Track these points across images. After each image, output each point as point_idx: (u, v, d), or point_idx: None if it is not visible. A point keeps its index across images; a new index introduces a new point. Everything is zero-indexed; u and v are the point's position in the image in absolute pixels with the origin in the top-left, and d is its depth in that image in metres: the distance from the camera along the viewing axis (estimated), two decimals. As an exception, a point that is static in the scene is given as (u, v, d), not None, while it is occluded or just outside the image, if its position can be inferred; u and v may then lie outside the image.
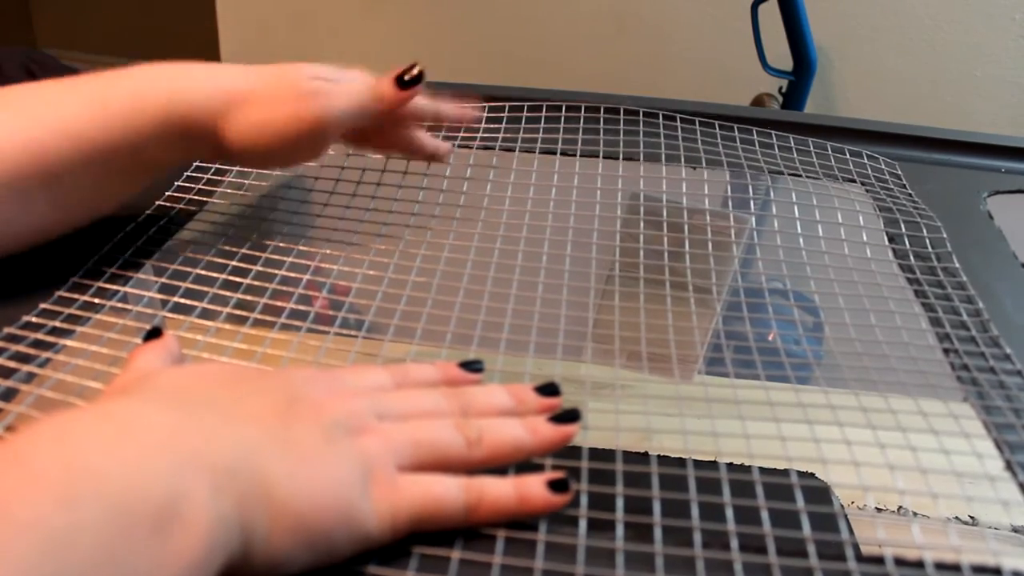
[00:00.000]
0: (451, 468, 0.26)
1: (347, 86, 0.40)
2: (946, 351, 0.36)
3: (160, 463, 0.21)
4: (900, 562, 0.25)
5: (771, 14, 1.44)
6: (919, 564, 0.25)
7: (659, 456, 0.28)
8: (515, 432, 0.27)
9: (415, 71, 0.42)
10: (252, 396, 0.25)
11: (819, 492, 0.27)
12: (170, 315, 0.36)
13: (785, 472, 0.27)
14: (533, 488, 0.25)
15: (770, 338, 0.37)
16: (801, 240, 0.43)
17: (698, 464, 0.27)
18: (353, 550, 0.24)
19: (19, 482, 0.19)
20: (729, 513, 0.26)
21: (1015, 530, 0.38)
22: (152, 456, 0.21)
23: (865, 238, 0.43)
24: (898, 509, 0.27)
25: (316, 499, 0.23)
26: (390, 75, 0.41)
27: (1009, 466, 0.29)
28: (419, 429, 0.26)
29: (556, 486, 0.26)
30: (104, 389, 0.29)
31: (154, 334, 0.30)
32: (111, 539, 0.19)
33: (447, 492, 0.25)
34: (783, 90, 1.53)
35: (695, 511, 0.26)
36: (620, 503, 0.26)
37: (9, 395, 0.30)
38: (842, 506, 0.27)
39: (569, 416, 0.27)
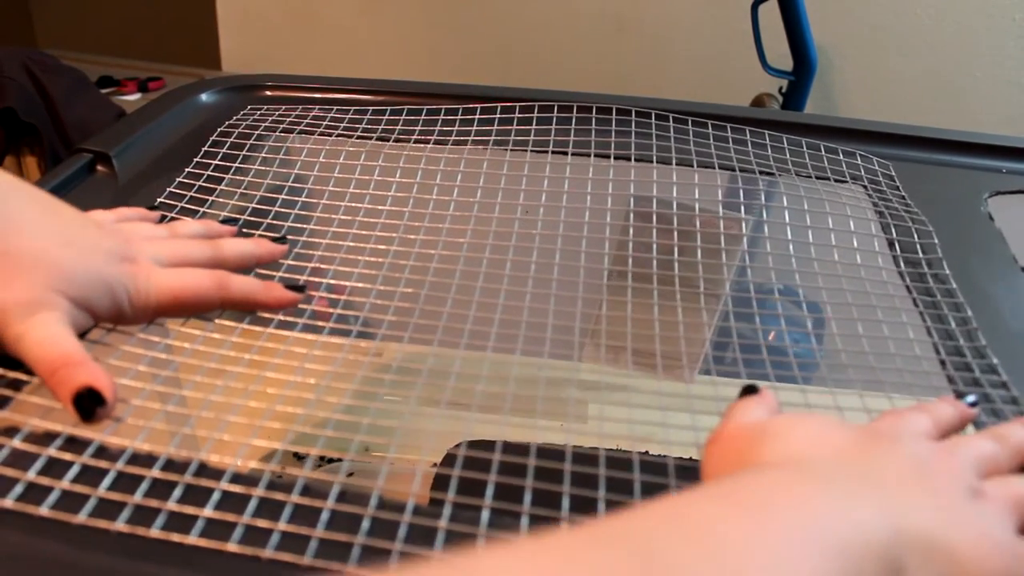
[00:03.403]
0: None
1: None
2: (939, 362, 0.36)
3: (888, 523, 0.22)
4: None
5: (771, 14, 1.44)
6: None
7: (640, 453, 0.28)
8: None
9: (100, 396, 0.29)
10: (893, 461, 0.26)
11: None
12: None
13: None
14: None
15: (769, 338, 0.37)
16: (791, 247, 0.43)
17: (680, 461, 0.28)
18: None
19: (765, 527, 0.21)
20: None
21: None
22: (878, 516, 0.22)
23: (855, 242, 0.43)
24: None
25: (991, 555, 0.24)
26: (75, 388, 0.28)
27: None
28: (1015, 485, 0.27)
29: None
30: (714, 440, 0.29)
31: (751, 390, 0.30)
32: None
33: None
34: (783, 90, 1.52)
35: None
36: (601, 507, 0.26)
37: (4, 403, 0.30)
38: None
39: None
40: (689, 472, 0.28)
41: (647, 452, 0.29)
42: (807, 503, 0.22)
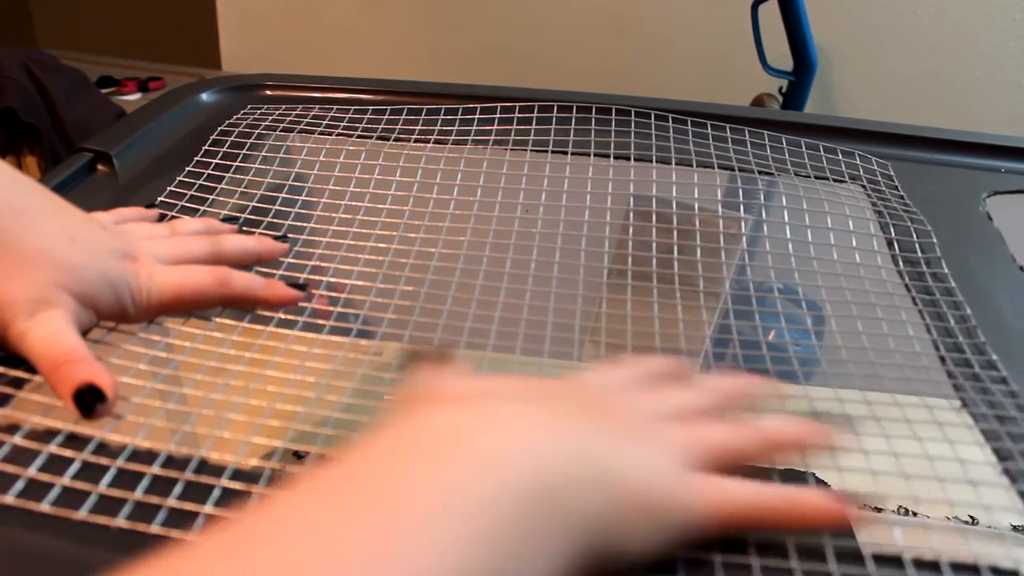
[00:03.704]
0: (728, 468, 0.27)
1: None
2: (938, 358, 0.36)
3: (532, 452, 0.22)
4: (879, 559, 0.25)
5: (771, 14, 1.44)
6: (899, 562, 0.25)
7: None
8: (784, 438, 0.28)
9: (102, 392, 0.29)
10: (557, 398, 0.27)
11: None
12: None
13: (768, 471, 0.27)
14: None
15: (769, 338, 0.37)
16: (791, 246, 0.43)
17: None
18: (686, 534, 0.25)
19: (412, 470, 0.20)
20: None
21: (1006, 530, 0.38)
22: (524, 444, 0.22)
23: (854, 241, 0.43)
24: (898, 508, 0.27)
25: (654, 480, 0.24)
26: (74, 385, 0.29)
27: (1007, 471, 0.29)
28: (708, 431, 0.27)
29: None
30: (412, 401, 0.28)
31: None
32: (498, 520, 0.20)
33: (746, 493, 0.26)
34: (783, 90, 1.53)
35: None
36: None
37: (5, 401, 0.30)
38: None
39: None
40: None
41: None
42: (444, 459, 0.21)
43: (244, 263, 0.38)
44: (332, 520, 0.19)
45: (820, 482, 0.28)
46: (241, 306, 0.36)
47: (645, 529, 0.24)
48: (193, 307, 0.35)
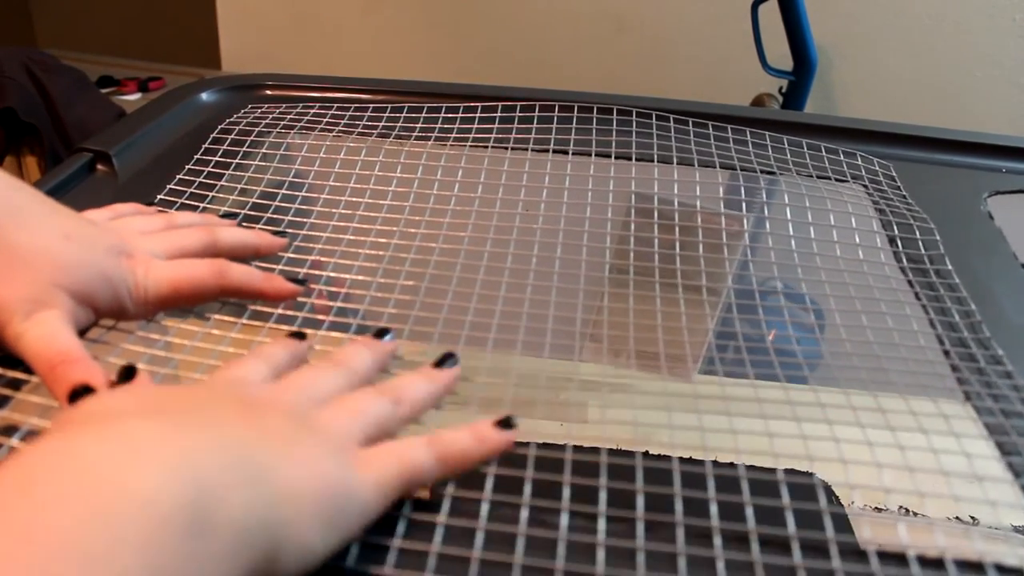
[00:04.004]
0: (389, 433, 0.28)
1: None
2: (942, 352, 0.36)
3: (180, 471, 0.21)
4: (884, 557, 0.25)
5: (771, 14, 1.44)
6: (904, 560, 0.25)
7: (643, 453, 0.28)
8: (423, 386, 0.30)
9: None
10: (210, 405, 0.25)
11: (808, 489, 0.27)
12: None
13: (773, 470, 0.27)
14: (486, 430, 0.28)
15: (770, 338, 0.37)
16: (793, 243, 0.43)
17: (684, 461, 0.27)
18: (361, 522, 0.25)
19: (43, 504, 0.18)
20: (713, 509, 0.26)
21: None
22: (170, 465, 0.21)
23: (858, 240, 0.43)
24: (899, 508, 0.27)
25: (318, 478, 0.24)
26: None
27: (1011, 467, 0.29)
28: (359, 405, 0.28)
29: (504, 424, 0.28)
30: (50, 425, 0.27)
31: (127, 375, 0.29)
32: (152, 549, 0.19)
33: (416, 453, 0.27)
34: (783, 90, 1.52)
35: (679, 506, 0.26)
36: (603, 495, 0.26)
37: (3, 402, 0.30)
38: (830, 503, 0.27)
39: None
40: (693, 472, 0.27)
41: (647, 452, 0.29)
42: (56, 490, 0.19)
43: (241, 256, 0.38)
44: None
45: (794, 473, 0.27)
46: (239, 297, 0.36)
47: (320, 527, 0.23)
48: (191, 300, 0.35)
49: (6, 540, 0.17)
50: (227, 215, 0.43)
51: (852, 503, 0.28)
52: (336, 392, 0.29)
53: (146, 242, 0.35)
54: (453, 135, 0.53)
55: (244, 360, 0.29)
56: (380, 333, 0.33)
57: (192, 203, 0.45)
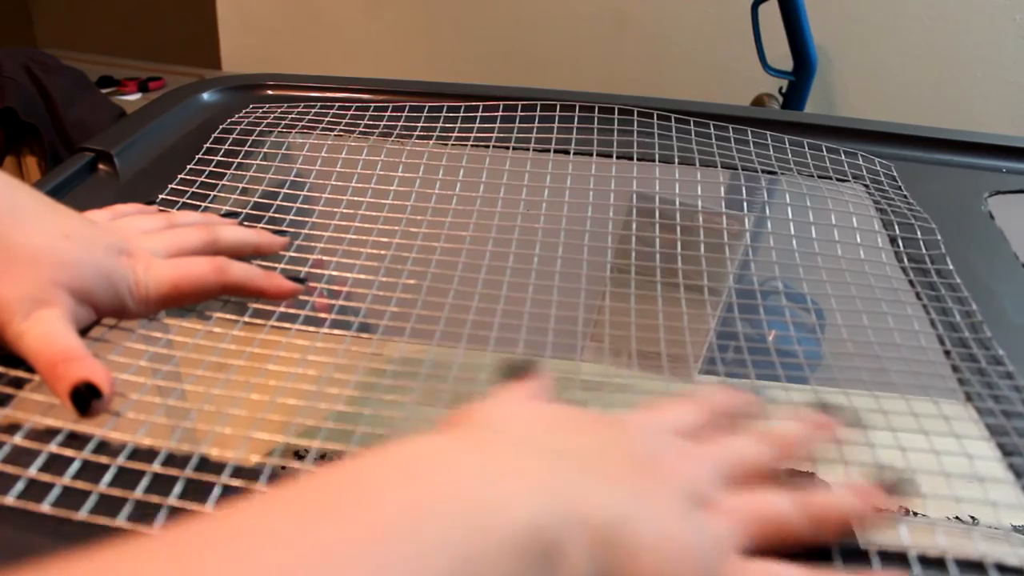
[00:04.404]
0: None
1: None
2: (943, 353, 0.36)
3: (546, 502, 0.20)
4: (884, 556, 0.25)
5: (771, 14, 1.44)
6: (904, 559, 0.25)
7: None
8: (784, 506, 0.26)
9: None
10: (610, 449, 0.24)
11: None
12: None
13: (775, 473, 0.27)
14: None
15: (770, 338, 0.37)
16: (794, 242, 0.43)
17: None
18: None
19: (423, 503, 0.19)
20: None
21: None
22: (537, 494, 0.21)
23: (859, 239, 0.43)
24: (899, 509, 0.27)
25: (677, 572, 0.22)
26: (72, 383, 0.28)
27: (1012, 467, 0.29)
28: (756, 504, 0.25)
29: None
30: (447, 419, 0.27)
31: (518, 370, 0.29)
32: (511, 568, 0.19)
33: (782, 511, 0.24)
34: (783, 90, 1.52)
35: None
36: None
37: (5, 401, 0.30)
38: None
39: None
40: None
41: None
42: (430, 480, 0.20)
43: (241, 254, 0.38)
44: (289, 530, 0.18)
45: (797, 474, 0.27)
46: (240, 295, 0.36)
47: None
48: (192, 299, 0.35)
49: (395, 518, 0.18)
50: (228, 215, 0.43)
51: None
52: (744, 466, 0.26)
53: (147, 241, 0.35)
54: (454, 135, 0.53)
55: (671, 403, 0.27)
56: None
57: (193, 203, 0.45)
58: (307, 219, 0.44)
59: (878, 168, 0.52)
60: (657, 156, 0.51)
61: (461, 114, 0.55)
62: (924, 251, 0.43)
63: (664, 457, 0.25)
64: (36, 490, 0.26)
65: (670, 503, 0.23)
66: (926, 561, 0.25)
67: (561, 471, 0.22)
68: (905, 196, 0.49)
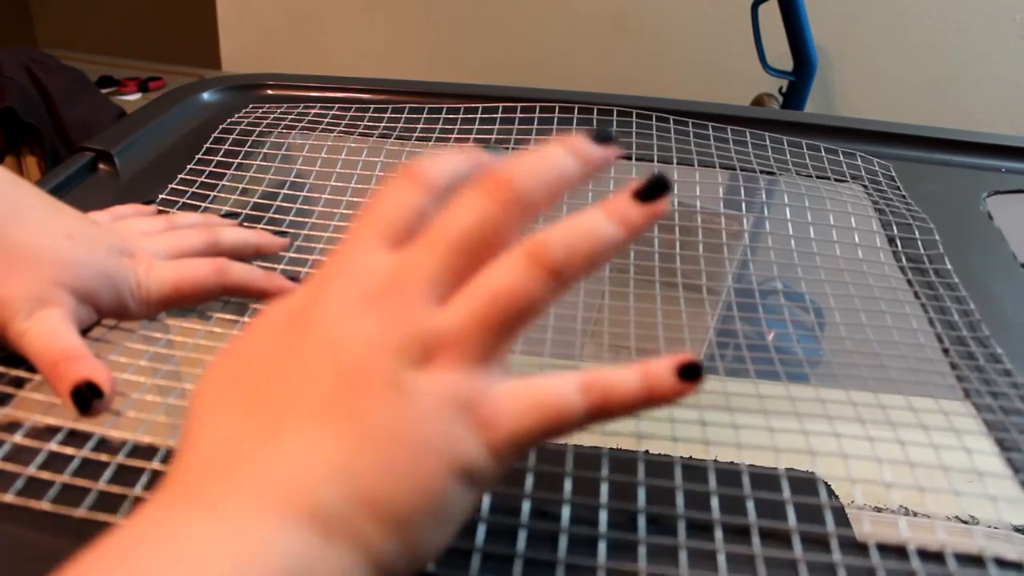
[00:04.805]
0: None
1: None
2: (942, 351, 0.36)
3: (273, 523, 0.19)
4: (883, 549, 0.25)
5: (771, 14, 1.45)
6: (904, 553, 0.25)
7: (644, 452, 0.28)
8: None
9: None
10: (291, 385, 0.21)
11: (809, 484, 0.27)
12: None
13: (774, 467, 0.27)
14: (663, 376, 0.22)
15: (770, 337, 0.37)
16: (793, 242, 0.43)
17: (686, 457, 0.28)
18: (480, 498, 0.22)
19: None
20: (715, 503, 0.26)
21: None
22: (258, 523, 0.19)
23: (858, 239, 0.43)
24: (899, 508, 0.27)
25: (425, 492, 0.20)
26: (72, 382, 0.28)
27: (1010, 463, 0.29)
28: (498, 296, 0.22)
29: (687, 373, 0.22)
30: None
31: None
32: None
33: (565, 400, 0.21)
34: (783, 90, 1.53)
35: (680, 500, 0.26)
36: (605, 488, 0.26)
37: (6, 400, 0.30)
38: (831, 498, 0.27)
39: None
40: (694, 467, 0.28)
41: (647, 452, 0.29)
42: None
43: (242, 255, 0.38)
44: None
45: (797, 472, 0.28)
46: (241, 296, 0.36)
47: (429, 536, 0.20)
48: (193, 300, 0.35)
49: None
50: (228, 215, 0.43)
51: (852, 502, 0.28)
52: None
53: (148, 242, 0.36)
54: (454, 135, 0.53)
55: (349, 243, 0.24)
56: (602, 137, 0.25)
57: (193, 203, 0.45)
58: (307, 219, 0.44)
59: (876, 168, 0.52)
60: (656, 156, 0.51)
61: (461, 115, 0.55)
62: (922, 251, 0.43)
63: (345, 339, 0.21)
64: (36, 487, 0.26)
65: (376, 401, 0.20)
66: (925, 555, 0.25)
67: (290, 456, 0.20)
68: (904, 196, 0.49)
